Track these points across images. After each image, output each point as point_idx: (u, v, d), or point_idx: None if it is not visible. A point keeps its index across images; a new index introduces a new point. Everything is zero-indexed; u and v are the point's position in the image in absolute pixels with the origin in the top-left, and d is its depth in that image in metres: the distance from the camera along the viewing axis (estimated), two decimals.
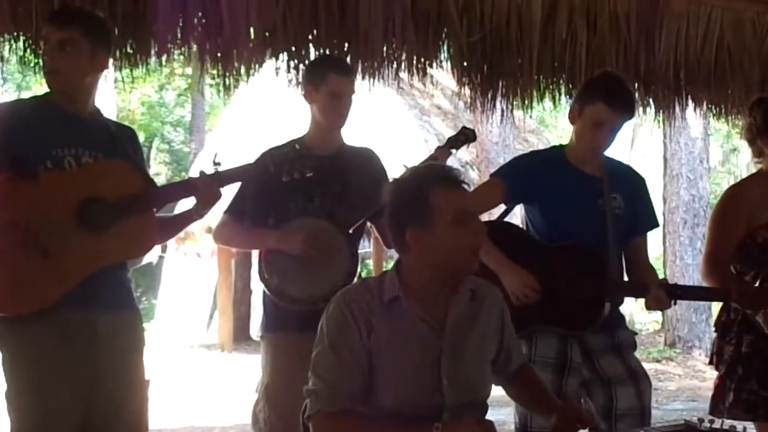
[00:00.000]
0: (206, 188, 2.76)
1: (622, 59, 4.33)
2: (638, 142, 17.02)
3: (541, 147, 3.50)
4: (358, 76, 4.09)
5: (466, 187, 2.22)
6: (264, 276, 3.06)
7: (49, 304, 2.49)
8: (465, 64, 4.25)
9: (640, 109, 4.59)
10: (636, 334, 3.28)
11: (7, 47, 3.84)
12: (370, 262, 12.43)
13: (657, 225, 3.27)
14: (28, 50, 3.79)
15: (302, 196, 3.12)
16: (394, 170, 3.26)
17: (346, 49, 4.03)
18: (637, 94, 4.51)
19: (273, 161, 2.91)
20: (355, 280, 3.10)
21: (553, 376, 2.92)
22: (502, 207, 3.33)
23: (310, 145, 3.19)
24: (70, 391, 2.54)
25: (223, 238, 3.29)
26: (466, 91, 4.36)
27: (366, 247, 14.81)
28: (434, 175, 2.23)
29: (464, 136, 3.39)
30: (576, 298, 2.91)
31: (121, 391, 2.65)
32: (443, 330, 2.22)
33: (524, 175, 3.13)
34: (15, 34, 3.75)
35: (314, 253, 3.00)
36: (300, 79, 3.32)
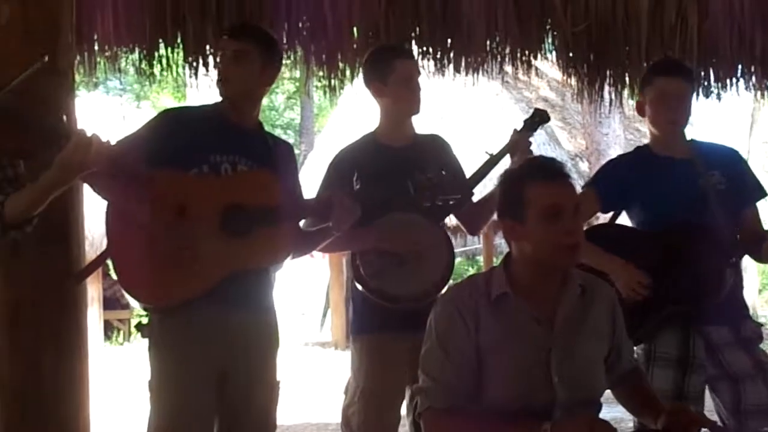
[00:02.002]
0: (342, 208, 2.76)
1: (737, 42, 4.17)
2: (757, 127, 16.37)
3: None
4: (462, 72, 4.10)
5: (566, 180, 2.18)
6: (362, 276, 3.01)
7: (188, 300, 2.57)
8: (570, 54, 4.19)
9: (758, 92, 4.43)
10: (762, 326, 3.16)
11: (124, 60, 4.02)
12: (481, 258, 12.37)
13: (765, 194, 3.15)
14: (144, 62, 3.95)
15: (399, 191, 3.00)
16: (480, 160, 3.25)
17: (449, 45, 4.04)
18: (754, 78, 4.35)
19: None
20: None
21: (675, 373, 2.84)
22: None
23: (383, 138, 3.15)
24: (204, 382, 2.62)
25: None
26: (573, 81, 4.29)
27: (476, 243, 14.75)
28: (534, 167, 2.21)
29: (539, 117, 3.33)
30: (694, 274, 2.82)
31: (250, 390, 2.70)
32: (552, 326, 2.19)
33: (615, 179, 3.08)
34: (131, 46, 3.91)
35: (416, 248, 2.98)
36: (364, 78, 3.28)
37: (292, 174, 2.94)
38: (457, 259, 16.73)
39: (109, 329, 12.87)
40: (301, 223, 2.93)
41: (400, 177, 2.87)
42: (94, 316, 10.68)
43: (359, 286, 3.02)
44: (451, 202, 2.94)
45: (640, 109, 3.09)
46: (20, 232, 2.25)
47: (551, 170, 2.17)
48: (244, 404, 2.69)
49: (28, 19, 2.59)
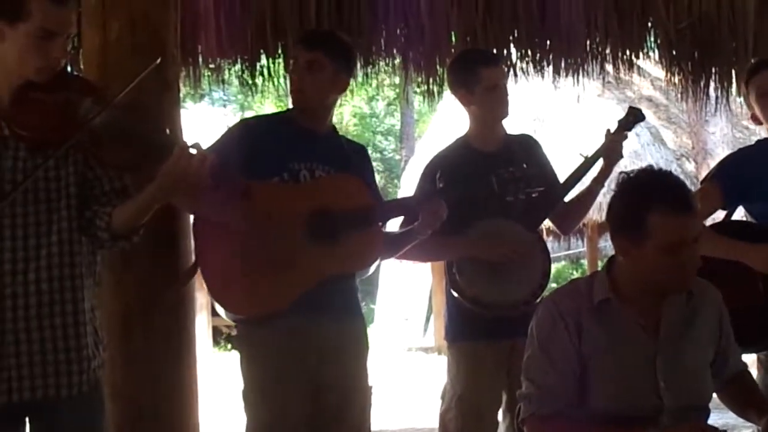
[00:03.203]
0: (429, 210, 2.76)
1: None
2: None
3: (764, 134, 3.27)
4: (562, 74, 4.05)
5: (693, 212, 2.05)
6: (458, 284, 3.00)
7: (282, 308, 2.59)
8: (674, 52, 4.08)
9: None
10: None
11: (227, 71, 4.13)
12: (585, 262, 12.15)
13: None
14: (246, 73, 4.05)
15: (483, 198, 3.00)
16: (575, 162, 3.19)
17: (548, 47, 3.99)
18: None
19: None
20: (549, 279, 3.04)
21: None
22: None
23: (474, 142, 3.13)
24: (298, 393, 2.65)
25: (406, 253, 3.10)
26: (677, 80, 4.18)
27: (580, 246, 14.51)
28: (662, 193, 2.04)
29: (633, 117, 3.23)
30: None
31: (344, 396, 2.72)
32: (658, 332, 2.13)
33: (738, 173, 2.97)
34: (234, 58, 4.01)
35: (513, 256, 2.95)
36: (450, 86, 3.24)
37: (369, 177, 2.94)
38: (561, 263, 16.53)
39: (217, 335, 13.18)
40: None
41: (485, 176, 2.82)
42: (203, 323, 10.95)
43: (455, 294, 3.01)
44: (534, 195, 2.89)
45: (749, 106, 3.00)
46: (128, 241, 2.32)
47: (680, 201, 2.04)
48: (341, 412, 2.71)
49: (136, 35, 2.68)
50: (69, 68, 3.45)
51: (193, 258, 2.70)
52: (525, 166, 2.88)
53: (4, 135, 2.21)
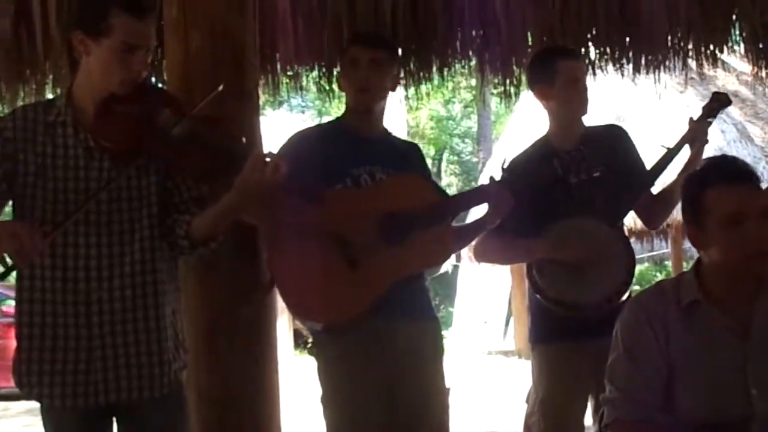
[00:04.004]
0: (497, 195, 2.76)
1: None
2: None
3: None
4: (642, 71, 3.97)
5: (749, 183, 2.03)
6: (538, 285, 2.96)
7: (358, 313, 2.60)
8: (760, 45, 3.96)
9: None
10: None
11: (305, 78, 4.17)
12: (669, 263, 11.89)
13: None
14: (323, 79, 4.08)
15: (565, 195, 2.97)
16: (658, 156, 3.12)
17: (627, 43, 3.92)
18: None
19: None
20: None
21: None
22: None
23: (554, 141, 3.08)
24: (375, 398, 2.65)
25: (484, 254, 3.17)
26: (764, 74, 4.06)
27: (664, 247, 14.19)
28: (713, 169, 2.07)
29: (717, 103, 3.13)
30: None
31: (422, 399, 2.71)
32: (749, 336, 2.06)
33: None
34: (311, 65, 4.05)
35: (593, 256, 2.90)
36: (528, 82, 3.19)
37: (426, 174, 2.94)
38: (644, 265, 16.21)
39: (298, 338, 13.32)
40: None
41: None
42: (284, 326, 11.10)
43: (537, 296, 2.98)
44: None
45: None
46: (206, 248, 2.36)
47: (731, 172, 2.04)
48: (419, 415, 2.70)
49: (216, 45, 2.72)
50: (153, 79, 3.55)
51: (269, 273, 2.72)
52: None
53: (90, 146, 2.29)
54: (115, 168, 2.27)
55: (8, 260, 2.07)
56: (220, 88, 2.32)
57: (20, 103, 3.79)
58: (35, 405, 2.34)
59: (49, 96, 3.75)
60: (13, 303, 2.32)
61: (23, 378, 2.29)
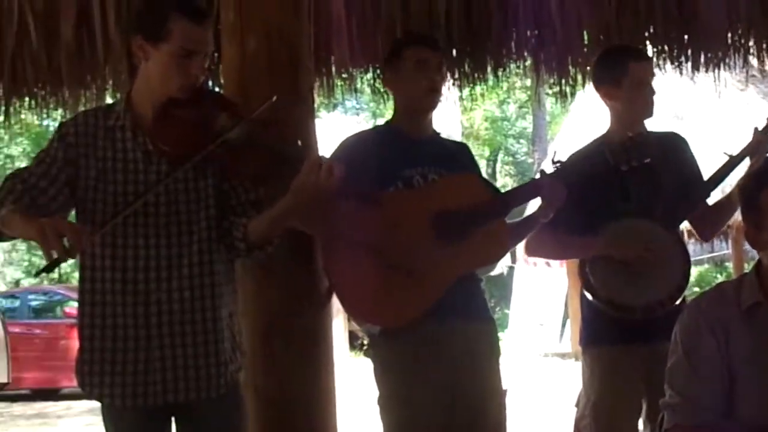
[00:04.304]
0: (550, 188, 2.74)
1: None
2: None
3: None
4: (701, 69, 3.90)
5: None
6: (591, 285, 2.92)
7: (416, 316, 2.60)
8: None
9: None
10: None
11: (359, 80, 4.19)
12: (730, 265, 11.66)
13: None
14: (378, 81, 4.09)
15: (619, 194, 2.95)
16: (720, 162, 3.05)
17: (686, 41, 3.85)
18: None
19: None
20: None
21: None
22: None
23: (613, 144, 3.05)
24: (433, 400, 2.64)
25: (537, 248, 3.14)
26: None
27: (724, 248, 13.93)
28: None
29: None
30: None
31: (479, 400, 2.70)
32: None
33: None
34: (365, 67, 4.07)
35: (649, 257, 2.85)
36: (594, 81, 3.13)
37: (477, 172, 2.94)
38: (704, 266, 15.93)
39: (354, 340, 13.37)
40: None
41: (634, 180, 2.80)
42: (339, 328, 11.15)
43: (589, 296, 2.94)
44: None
45: None
46: (263, 251, 2.38)
47: None
48: (476, 416, 2.69)
49: (271, 49, 2.74)
50: (210, 84, 3.60)
51: (326, 283, 2.72)
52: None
53: (148, 150, 2.32)
54: (173, 172, 2.30)
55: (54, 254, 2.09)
56: (274, 98, 2.34)
57: (81, 108, 3.87)
58: (97, 404, 2.38)
59: (109, 101, 3.82)
60: (75, 304, 2.37)
61: (85, 378, 2.34)
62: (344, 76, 4.09)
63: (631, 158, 2.71)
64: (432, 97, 2.80)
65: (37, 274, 2.19)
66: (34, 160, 2.35)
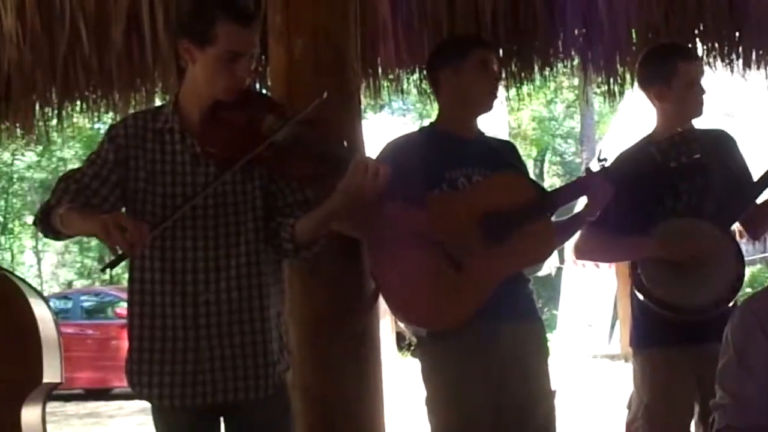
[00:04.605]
0: (596, 186, 2.72)
1: None
2: None
3: None
4: (753, 66, 3.83)
5: None
6: (643, 285, 2.88)
7: (465, 317, 2.59)
8: None
9: None
10: None
11: (406, 81, 4.19)
12: None
13: None
14: (424, 81, 4.10)
15: (670, 194, 2.92)
16: None
17: (736, 38, 3.79)
18: None
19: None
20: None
21: None
22: None
23: (660, 142, 3.00)
24: (481, 401, 2.64)
25: (586, 252, 3.10)
26: None
27: None
28: None
29: None
30: None
31: (528, 401, 2.69)
32: None
33: None
34: (412, 67, 4.07)
35: (702, 257, 2.81)
36: (641, 82, 3.08)
37: (524, 171, 2.93)
38: (756, 266, 15.63)
39: (401, 340, 13.38)
40: None
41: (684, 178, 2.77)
42: (387, 328, 11.17)
43: (640, 296, 2.90)
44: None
45: None
46: (310, 252, 2.39)
47: None
48: (525, 418, 2.68)
49: (318, 51, 2.76)
50: (257, 85, 3.63)
51: (373, 285, 2.73)
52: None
53: (196, 152, 2.35)
54: (221, 174, 2.33)
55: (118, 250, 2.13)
56: (325, 95, 2.35)
57: (131, 110, 3.93)
58: (148, 404, 2.42)
59: (158, 103, 3.87)
60: (126, 305, 2.41)
61: (134, 378, 2.37)
62: (390, 77, 4.10)
63: (680, 154, 2.67)
64: (492, 99, 2.81)
65: (103, 270, 2.24)
66: (86, 162, 2.39)
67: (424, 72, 4.02)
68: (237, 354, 2.33)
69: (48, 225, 2.30)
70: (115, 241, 2.09)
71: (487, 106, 2.82)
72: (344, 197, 2.26)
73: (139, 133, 2.38)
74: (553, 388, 2.76)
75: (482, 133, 2.90)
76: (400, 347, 13.27)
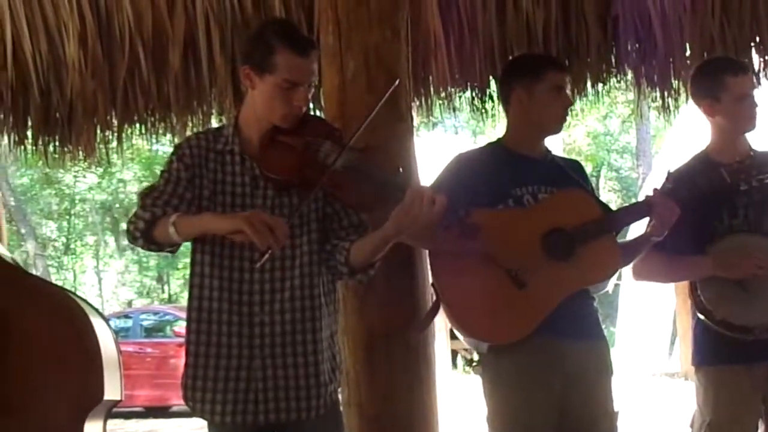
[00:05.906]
0: (662, 206, 2.68)
1: None
2: None
3: None
4: None
5: None
6: (704, 307, 2.83)
7: (527, 333, 2.59)
8: None
9: None
10: None
11: (458, 99, 4.20)
12: None
13: None
14: (476, 98, 4.10)
15: (727, 211, 2.87)
16: None
17: None
18: None
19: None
20: None
21: None
22: None
23: (715, 155, 2.92)
24: (544, 418, 2.62)
25: (644, 272, 3.03)
26: None
27: None
28: None
29: None
30: None
31: (590, 421, 2.67)
32: None
33: None
34: (464, 85, 4.08)
35: (761, 272, 2.75)
36: (693, 96, 3.03)
37: (590, 189, 2.90)
38: None
39: (456, 358, 13.32)
40: None
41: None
42: (442, 345, 11.12)
43: (702, 317, 2.86)
44: (767, 180, 2.67)
45: None
46: (365, 275, 2.41)
47: None
48: None
49: (370, 71, 2.79)
50: (311, 106, 3.68)
51: (433, 297, 2.73)
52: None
53: (255, 175, 2.39)
54: (278, 197, 2.37)
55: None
56: (397, 82, 2.37)
57: (188, 133, 4.01)
58: (206, 422, 2.44)
59: (215, 125, 3.94)
60: (184, 324, 2.46)
61: (188, 393, 2.41)
62: (443, 95, 4.11)
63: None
64: (562, 124, 2.81)
65: (260, 267, 2.29)
66: (160, 180, 2.42)
67: (476, 89, 4.04)
68: (290, 374, 2.35)
69: (149, 237, 2.33)
70: (264, 238, 2.15)
71: (555, 131, 2.83)
72: (399, 225, 2.27)
73: (203, 153, 2.43)
74: (615, 409, 2.73)
75: (549, 152, 2.88)
76: (454, 365, 13.21)
